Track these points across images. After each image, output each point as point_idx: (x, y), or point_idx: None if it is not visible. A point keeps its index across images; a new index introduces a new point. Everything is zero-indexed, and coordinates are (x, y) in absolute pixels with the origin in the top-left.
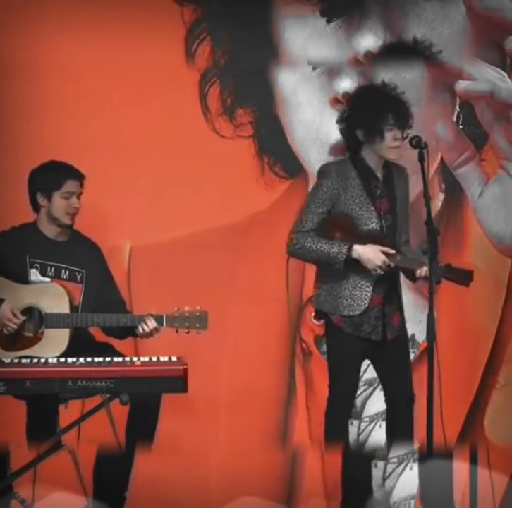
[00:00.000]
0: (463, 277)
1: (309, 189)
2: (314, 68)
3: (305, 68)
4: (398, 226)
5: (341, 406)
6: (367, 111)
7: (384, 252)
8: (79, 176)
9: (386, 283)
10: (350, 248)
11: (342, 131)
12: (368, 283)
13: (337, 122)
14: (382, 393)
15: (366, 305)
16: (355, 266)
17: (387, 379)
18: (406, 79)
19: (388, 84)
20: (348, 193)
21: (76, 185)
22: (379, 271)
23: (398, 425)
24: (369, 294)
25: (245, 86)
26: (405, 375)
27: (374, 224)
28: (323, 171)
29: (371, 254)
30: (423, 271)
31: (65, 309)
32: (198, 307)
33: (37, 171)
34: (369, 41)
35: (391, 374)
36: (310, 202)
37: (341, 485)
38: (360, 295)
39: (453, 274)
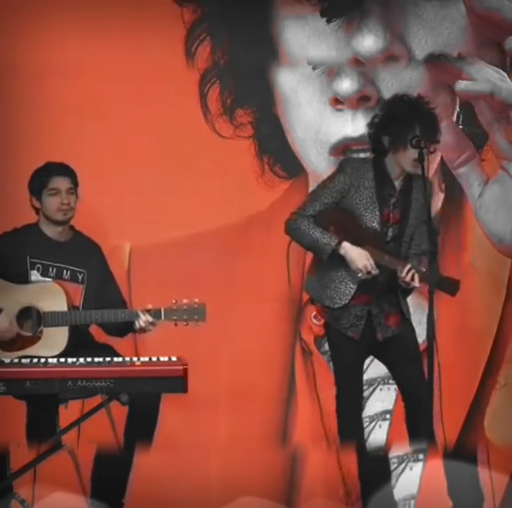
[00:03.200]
0: (450, 287)
1: (310, 189)
2: (314, 68)
3: (305, 68)
4: (405, 238)
5: (344, 403)
6: (395, 120)
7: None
8: (65, 172)
9: (379, 285)
10: (339, 243)
11: (369, 135)
12: (353, 281)
13: (366, 125)
14: (382, 393)
15: (346, 301)
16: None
17: (395, 378)
18: (406, 79)
19: (422, 97)
20: (358, 192)
21: (62, 182)
22: (359, 275)
23: (408, 424)
24: (352, 291)
25: (245, 86)
26: (409, 374)
27: (375, 227)
28: (341, 164)
29: (355, 254)
30: (404, 271)
31: (63, 307)
32: (196, 300)
33: (32, 176)
34: (369, 41)
35: (396, 373)
36: (319, 189)
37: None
38: (343, 290)
39: (440, 283)
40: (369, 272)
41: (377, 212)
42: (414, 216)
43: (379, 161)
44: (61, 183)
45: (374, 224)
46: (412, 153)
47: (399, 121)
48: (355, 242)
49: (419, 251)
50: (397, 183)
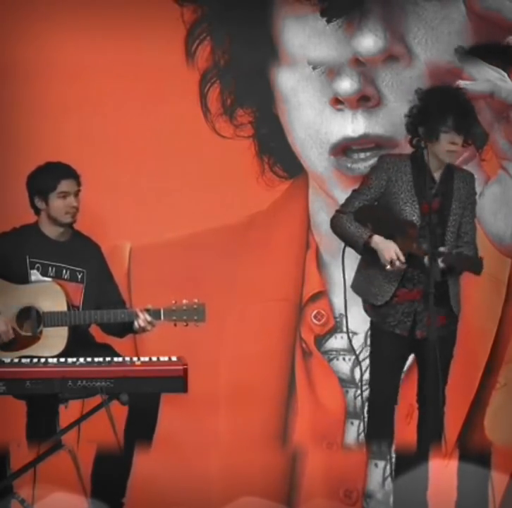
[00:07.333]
0: (473, 265)
1: (310, 189)
2: (314, 68)
3: (305, 68)
4: (450, 227)
5: (376, 402)
6: (429, 110)
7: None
8: (73, 175)
9: (424, 282)
10: (370, 236)
11: (407, 126)
12: (396, 277)
13: (405, 116)
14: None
15: (388, 298)
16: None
17: (420, 378)
18: (406, 79)
19: (460, 88)
20: (396, 187)
21: (71, 184)
22: (388, 267)
23: (422, 426)
24: (393, 288)
25: (245, 86)
26: (435, 377)
27: (414, 220)
28: (379, 161)
29: (383, 246)
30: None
31: (63, 307)
32: (196, 300)
33: (32, 175)
34: (369, 41)
35: (423, 373)
36: (360, 186)
37: None
38: (386, 288)
39: (463, 262)
40: (394, 264)
41: (417, 205)
42: (457, 206)
43: (416, 154)
44: (70, 185)
45: (413, 218)
46: (445, 143)
47: (432, 111)
48: (389, 236)
49: (469, 239)
50: (436, 175)
